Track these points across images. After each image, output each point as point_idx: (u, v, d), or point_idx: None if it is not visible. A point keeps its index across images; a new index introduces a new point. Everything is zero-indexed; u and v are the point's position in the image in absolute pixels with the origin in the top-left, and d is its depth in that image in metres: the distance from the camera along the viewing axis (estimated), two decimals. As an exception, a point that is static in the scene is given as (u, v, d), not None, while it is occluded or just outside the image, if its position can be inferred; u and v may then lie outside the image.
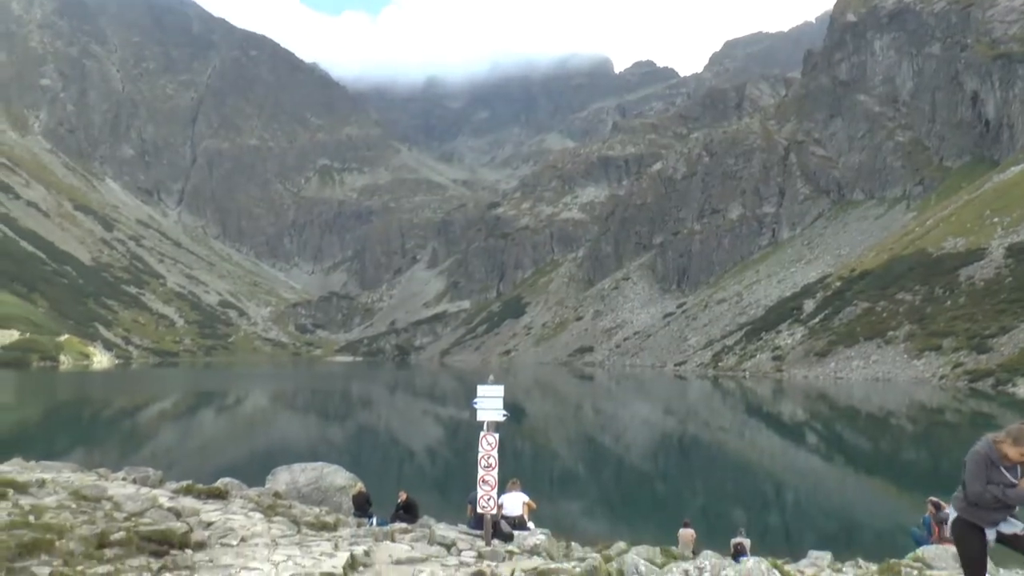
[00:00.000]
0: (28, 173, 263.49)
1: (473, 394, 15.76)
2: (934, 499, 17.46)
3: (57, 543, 10.46)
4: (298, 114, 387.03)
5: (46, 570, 9.51)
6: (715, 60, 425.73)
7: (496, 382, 15.37)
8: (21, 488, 14.26)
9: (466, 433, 47.33)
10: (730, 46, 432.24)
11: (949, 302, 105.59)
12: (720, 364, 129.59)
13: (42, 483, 15.34)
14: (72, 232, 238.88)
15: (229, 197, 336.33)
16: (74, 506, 13.46)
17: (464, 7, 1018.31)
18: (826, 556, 16.56)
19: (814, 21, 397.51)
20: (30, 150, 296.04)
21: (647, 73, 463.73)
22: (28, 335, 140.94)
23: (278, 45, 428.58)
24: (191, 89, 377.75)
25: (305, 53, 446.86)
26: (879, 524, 29.29)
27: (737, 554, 18.91)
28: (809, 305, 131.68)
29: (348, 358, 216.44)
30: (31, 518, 11.71)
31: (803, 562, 15.74)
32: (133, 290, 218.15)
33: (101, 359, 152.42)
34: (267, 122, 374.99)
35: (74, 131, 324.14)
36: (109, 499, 14.43)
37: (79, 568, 9.88)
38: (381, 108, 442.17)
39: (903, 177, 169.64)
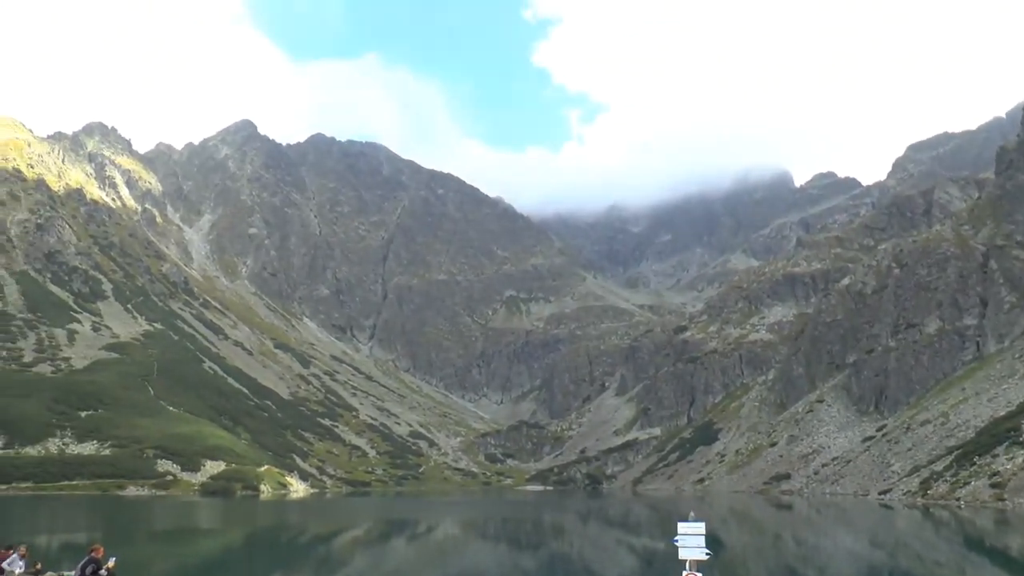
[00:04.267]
0: (236, 315, 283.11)
1: (668, 523, 15.43)
2: None
3: None
4: (484, 247, 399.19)
5: None
6: (899, 166, 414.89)
7: (697, 519, 14.95)
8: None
9: (663, 563, 45.88)
10: (914, 150, 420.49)
11: None
12: (930, 492, 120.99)
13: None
14: (273, 369, 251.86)
15: (419, 331, 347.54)
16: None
17: (641, 130, 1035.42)
18: None
19: (1004, 116, 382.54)
20: (238, 294, 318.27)
21: (828, 184, 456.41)
22: (233, 466, 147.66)
23: (463, 182, 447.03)
24: (382, 229, 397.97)
25: (489, 188, 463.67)
26: None
27: None
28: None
29: (539, 487, 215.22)
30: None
31: None
32: (327, 422, 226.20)
33: (298, 488, 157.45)
34: (454, 256, 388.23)
35: (276, 274, 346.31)
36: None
37: None
38: (565, 236, 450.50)
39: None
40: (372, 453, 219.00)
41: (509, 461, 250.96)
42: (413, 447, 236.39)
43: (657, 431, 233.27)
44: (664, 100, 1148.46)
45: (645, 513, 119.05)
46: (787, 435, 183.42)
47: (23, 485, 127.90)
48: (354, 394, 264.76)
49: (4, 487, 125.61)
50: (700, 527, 14.91)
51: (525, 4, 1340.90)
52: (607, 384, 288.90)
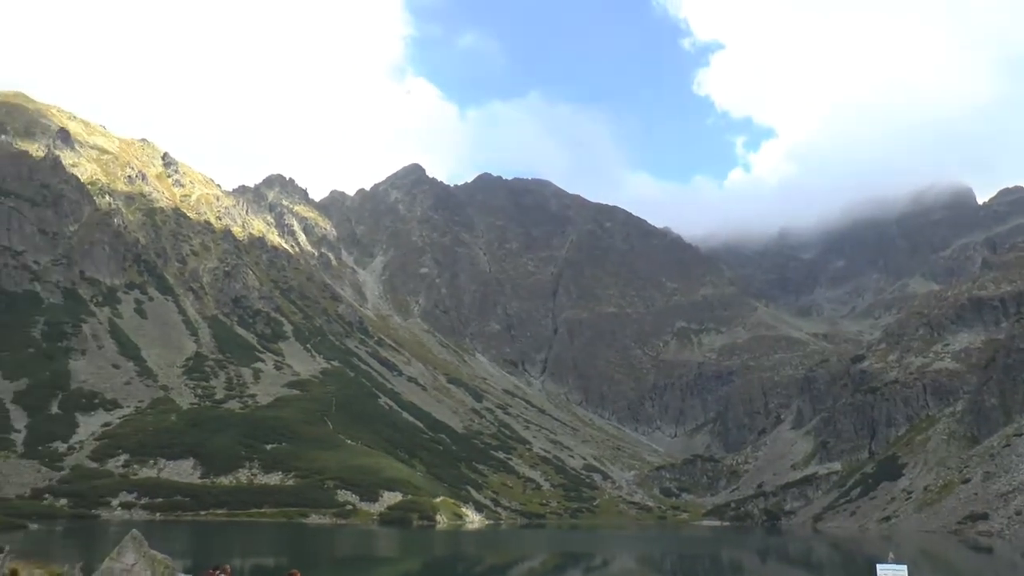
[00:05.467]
0: (410, 352, 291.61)
1: (852, 564, 15.18)
2: None
3: None
4: (653, 279, 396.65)
5: None
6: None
7: (898, 560, 14.58)
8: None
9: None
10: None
11: None
12: None
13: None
14: (446, 403, 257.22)
15: (590, 364, 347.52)
16: None
17: (809, 153, 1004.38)
18: None
19: None
20: (411, 331, 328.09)
21: (1016, 200, 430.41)
22: (410, 497, 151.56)
23: (630, 214, 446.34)
24: (550, 264, 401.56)
25: (656, 220, 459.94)
26: None
27: None
28: None
29: (715, 522, 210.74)
30: None
31: None
32: (501, 455, 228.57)
33: (473, 519, 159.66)
34: (623, 289, 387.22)
35: (447, 312, 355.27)
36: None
37: None
38: (734, 266, 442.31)
39: None
40: (546, 486, 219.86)
41: (684, 495, 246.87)
42: (587, 480, 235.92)
43: (837, 465, 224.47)
44: (831, 121, 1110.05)
45: (827, 552, 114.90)
46: (981, 471, 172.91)
47: (218, 511, 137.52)
48: (527, 427, 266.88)
49: (203, 513, 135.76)
50: (902, 570, 14.49)
51: (684, 33, 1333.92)
52: (782, 416, 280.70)
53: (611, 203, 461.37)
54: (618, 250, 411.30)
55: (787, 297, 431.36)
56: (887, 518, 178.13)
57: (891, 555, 14.84)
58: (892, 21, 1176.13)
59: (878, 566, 14.45)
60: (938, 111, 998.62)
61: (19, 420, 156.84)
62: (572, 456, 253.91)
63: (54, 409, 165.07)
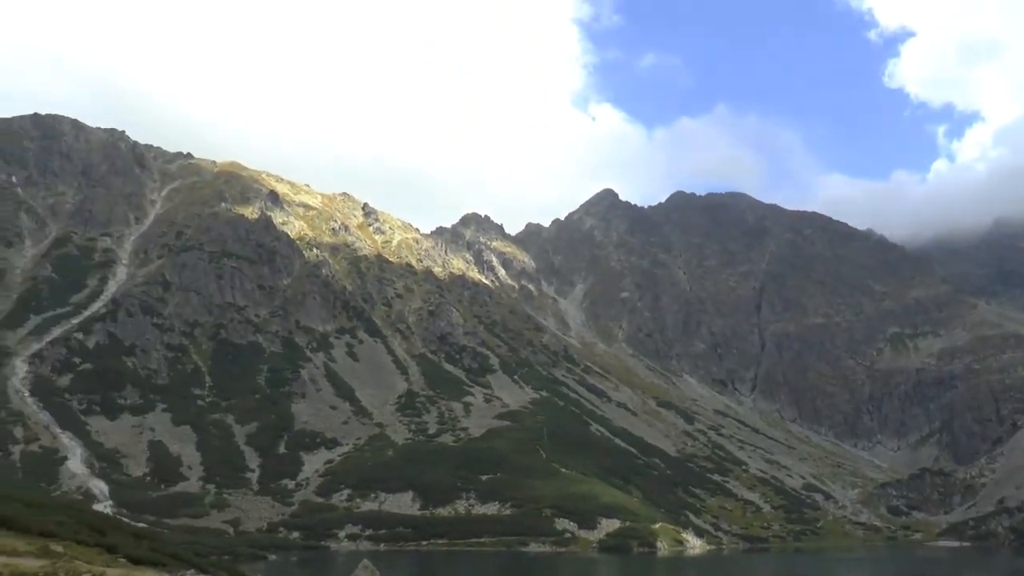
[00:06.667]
0: (617, 378, 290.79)
1: None
2: None
3: None
4: (860, 284, 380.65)
5: None
6: None
7: None
8: None
9: None
10: None
11: None
12: None
13: None
14: (657, 427, 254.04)
15: (801, 378, 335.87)
16: None
17: (1021, 134, 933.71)
18: None
19: None
20: (616, 357, 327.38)
21: None
22: (628, 523, 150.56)
23: (829, 219, 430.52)
24: (751, 278, 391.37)
25: (858, 221, 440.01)
26: None
27: None
28: None
29: (953, 543, 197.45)
30: None
31: None
32: (717, 478, 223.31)
33: (694, 544, 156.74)
34: (829, 297, 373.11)
35: (651, 335, 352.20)
36: None
37: None
38: (945, 263, 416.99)
39: None
40: (766, 508, 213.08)
41: (914, 513, 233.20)
42: (808, 500, 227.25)
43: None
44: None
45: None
46: None
47: (439, 541, 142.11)
48: (741, 447, 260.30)
49: (424, 543, 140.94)
50: None
51: (869, 24, 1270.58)
52: (1019, 423, 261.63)
53: (809, 209, 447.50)
54: (820, 257, 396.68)
55: (1010, 292, 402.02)
56: None
57: None
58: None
59: None
60: None
61: (252, 460, 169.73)
62: (790, 476, 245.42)
63: (281, 449, 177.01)
